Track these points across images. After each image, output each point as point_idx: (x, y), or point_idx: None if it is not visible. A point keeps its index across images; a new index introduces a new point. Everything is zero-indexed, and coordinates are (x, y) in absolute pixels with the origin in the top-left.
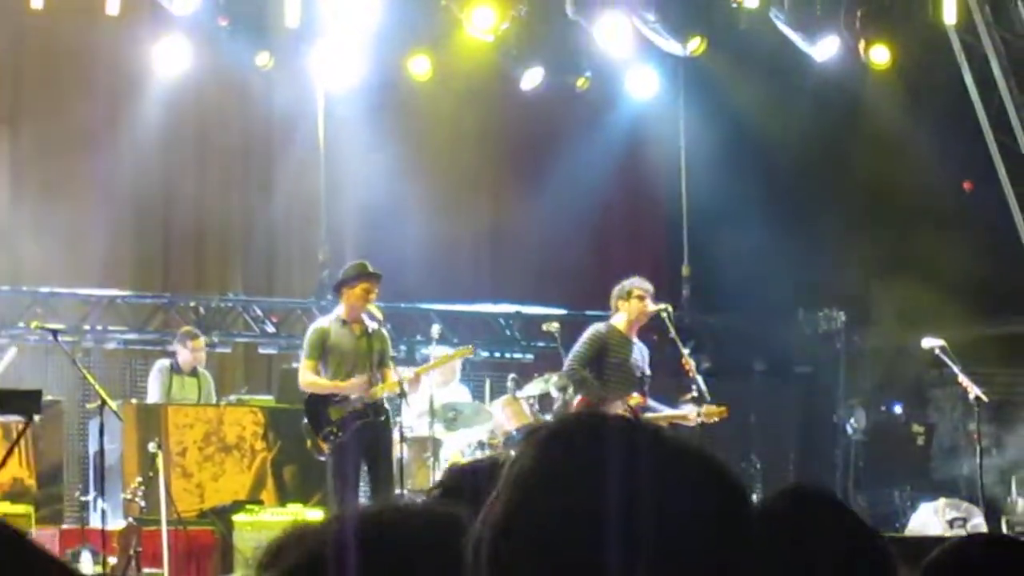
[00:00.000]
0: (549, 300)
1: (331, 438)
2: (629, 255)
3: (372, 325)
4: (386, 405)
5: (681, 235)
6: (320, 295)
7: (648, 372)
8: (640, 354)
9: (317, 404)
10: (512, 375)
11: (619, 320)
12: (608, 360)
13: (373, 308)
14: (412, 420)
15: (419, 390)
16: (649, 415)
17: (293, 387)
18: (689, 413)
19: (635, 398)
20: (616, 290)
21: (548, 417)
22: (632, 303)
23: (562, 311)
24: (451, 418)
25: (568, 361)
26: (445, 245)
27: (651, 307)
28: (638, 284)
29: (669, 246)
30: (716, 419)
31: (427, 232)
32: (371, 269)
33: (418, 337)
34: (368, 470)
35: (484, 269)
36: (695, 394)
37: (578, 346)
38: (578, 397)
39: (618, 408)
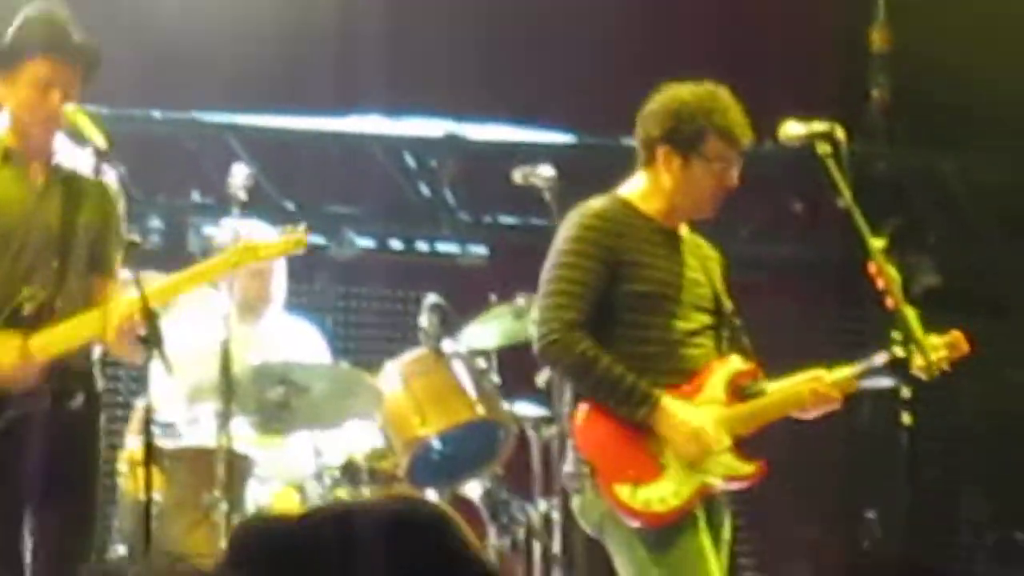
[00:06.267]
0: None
1: None
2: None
3: (87, 168)
4: (93, 370)
5: None
6: None
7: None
8: (702, 266)
9: None
10: (433, 295)
11: (644, 189)
12: (628, 289)
13: (79, 119)
14: (176, 401)
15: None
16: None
17: None
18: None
19: (725, 371)
20: (650, 118)
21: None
22: (695, 164)
23: (568, 137)
24: (276, 403)
25: (542, 310)
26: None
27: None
28: (719, 115)
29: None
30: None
31: None
32: (55, 25)
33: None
34: (35, 515)
35: (361, 47)
36: (898, 337)
37: (553, 271)
38: (580, 405)
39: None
